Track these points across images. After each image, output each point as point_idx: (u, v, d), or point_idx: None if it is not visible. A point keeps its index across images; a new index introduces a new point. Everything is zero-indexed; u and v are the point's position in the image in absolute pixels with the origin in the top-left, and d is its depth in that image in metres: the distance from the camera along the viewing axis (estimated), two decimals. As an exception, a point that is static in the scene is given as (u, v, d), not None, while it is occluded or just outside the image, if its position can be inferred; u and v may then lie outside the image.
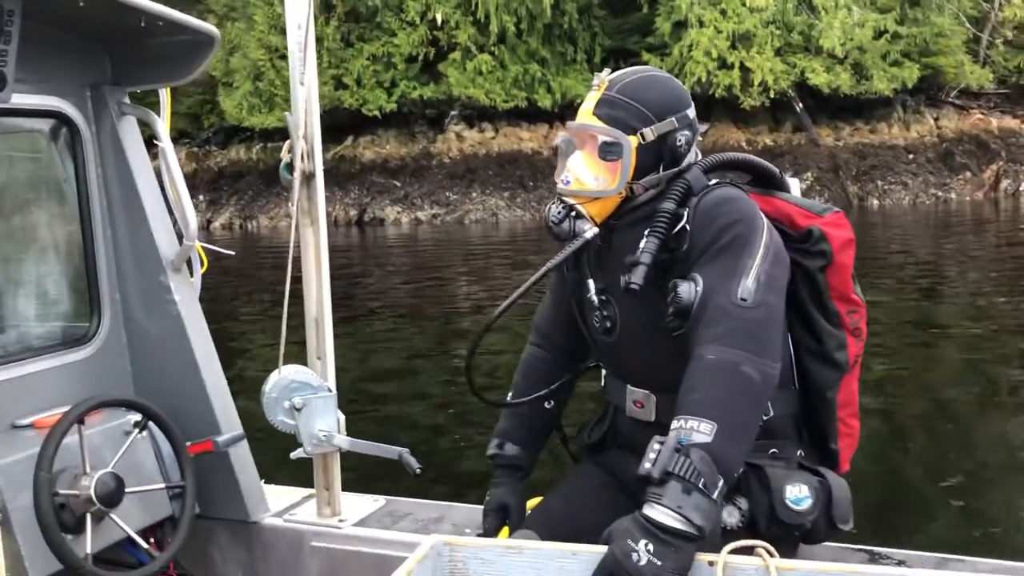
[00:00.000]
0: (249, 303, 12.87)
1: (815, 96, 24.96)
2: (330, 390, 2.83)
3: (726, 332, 1.79)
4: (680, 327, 1.90)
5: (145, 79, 2.93)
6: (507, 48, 25.20)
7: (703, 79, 23.79)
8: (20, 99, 2.53)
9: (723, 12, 24.10)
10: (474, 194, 24.87)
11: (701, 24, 24.02)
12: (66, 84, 2.77)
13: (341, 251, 19.14)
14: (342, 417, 2.87)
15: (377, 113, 24.94)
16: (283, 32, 2.82)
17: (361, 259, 18.50)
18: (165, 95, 2.95)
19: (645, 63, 23.35)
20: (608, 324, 2.13)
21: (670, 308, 1.90)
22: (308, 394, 2.76)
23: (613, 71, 2.13)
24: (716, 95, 24.02)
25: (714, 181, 2.06)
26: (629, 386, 2.15)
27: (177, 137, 27.07)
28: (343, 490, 3.06)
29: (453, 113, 25.77)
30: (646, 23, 25.47)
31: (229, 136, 27.55)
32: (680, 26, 24.47)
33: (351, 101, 24.64)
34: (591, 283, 2.15)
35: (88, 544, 2.50)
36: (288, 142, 2.79)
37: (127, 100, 2.93)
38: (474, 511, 3.05)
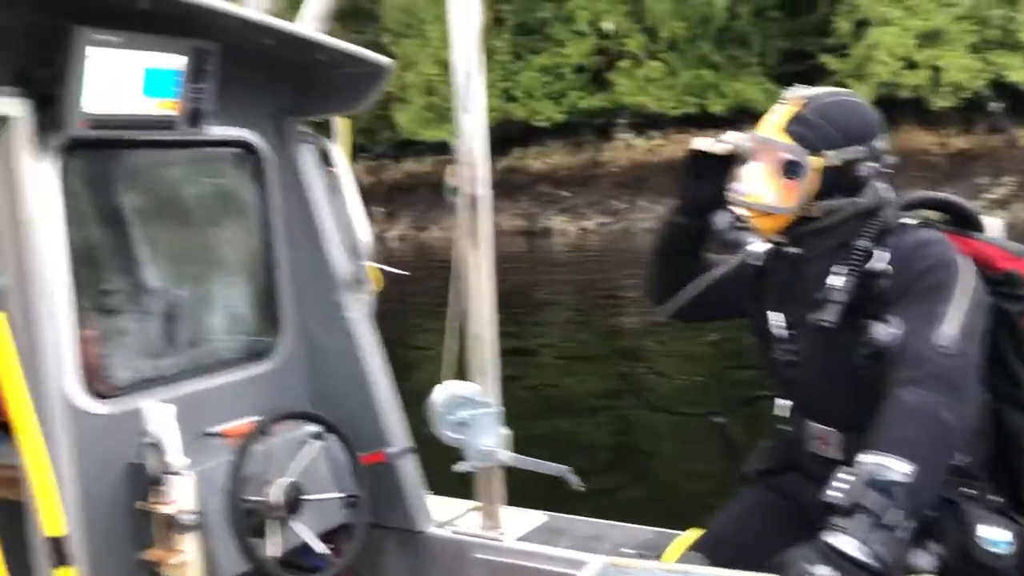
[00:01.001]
0: (419, 316, 13.29)
1: (1014, 95, 23.17)
2: (495, 406, 2.90)
3: (925, 377, 1.77)
4: (873, 367, 1.89)
5: (323, 109, 3.11)
6: (678, 54, 24.88)
7: (887, 80, 22.61)
8: (213, 131, 2.75)
9: (909, 9, 22.82)
10: (642, 202, 24.68)
11: (886, 22, 22.84)
12: (252, 116, 2.98)
13: (510, 261, 19.46)
14: (506, 432, 2.93)
15: (546, 124, 25.21)
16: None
17: (528, 269, 18.73)
18: (341, 123, 3.12)
19: (822, 65, 22.49)
20: (793, 358, 2.11)
21: (865, 348, 1.90)
22: (473, 409, 2.85)
23: (797, 80, 2.14)
24: (902, 97, 22.75)
25: (911, 221, 2.03)
26: (813, 423, 2.13)
27: (354, 152, 28.33)
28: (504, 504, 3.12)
29: (621, 121, 25.70)
30: (824, 23, 24.48)
31: (403, 149, 28.58)
32: (861, 25, 23.36)
33: (521, 113, 25.03)
34: (777, 316, 2.14)
35: (273, 547, 2.67)
36: (454, 166, 2.88)
37: (306, 128, 3.12)
38: (633, 531, 3.05)
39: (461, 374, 2.95)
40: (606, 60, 25.27)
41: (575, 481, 2.83)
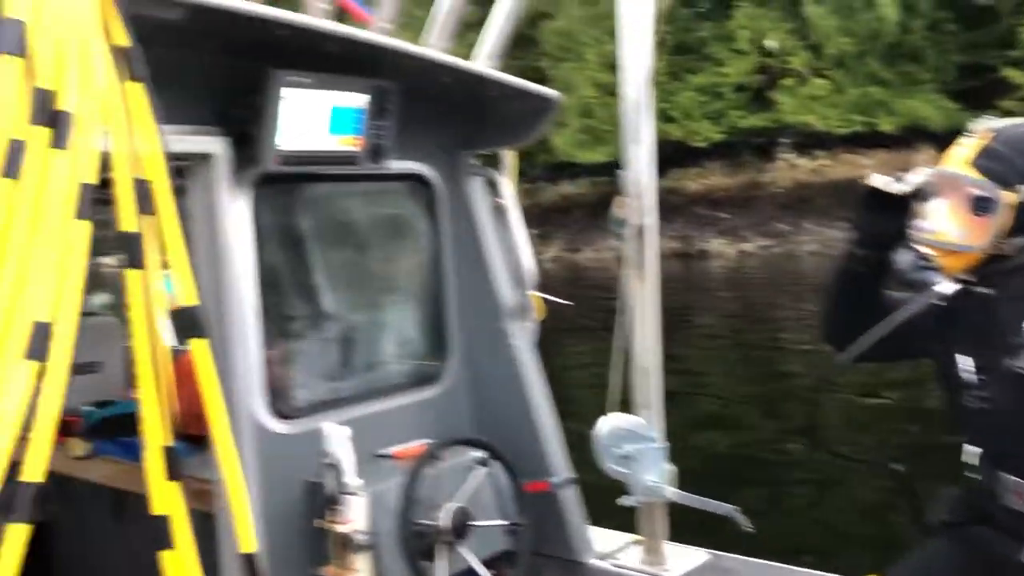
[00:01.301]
0: (573, 337, 13.33)
1: None
2: (660, 441, 2.87)
3: None
4: None
5: (493, 142, 3.19)
6: (844, 71, 24.00)
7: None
8: (390, 164, 2.87)
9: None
10: (807, 225, 23.86)
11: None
12: (427, 150, 3.09)
13: (666, 284, 19.23)
14: (671, 468, 2.89)
15: (704, 144, 24.84)
16: (614, 69, 2.91)
17: (685, 292, 18.44)
18: (508, 156, 3.18)
19: (1005, 79, 21.08)
20: (985, 406, 2.01)
21: None
22: (638, 443, 2.83)
23: (977, 95, 2.02)
24: (1097, 112, 21.02)
25: None
26: (1006, 474, 2.01)
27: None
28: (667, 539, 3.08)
29: (784, 141, 25.00)
30: (1008, 34, 22.98)
31: (558, 172, 28.80)
32: (1052, 35, 21.80)
33: (678, 134, 24.77)
34: (966, 360, 2.05)
35: (441, 571, 2.73)
36: (621, 198, 2.89)
37: (475, 161, 3.20)
38: (804, 575, 2.93)
39: (624, 405, 2.95)
40: (768, 78, 24.68)
41: (743, 521, 2.76)
